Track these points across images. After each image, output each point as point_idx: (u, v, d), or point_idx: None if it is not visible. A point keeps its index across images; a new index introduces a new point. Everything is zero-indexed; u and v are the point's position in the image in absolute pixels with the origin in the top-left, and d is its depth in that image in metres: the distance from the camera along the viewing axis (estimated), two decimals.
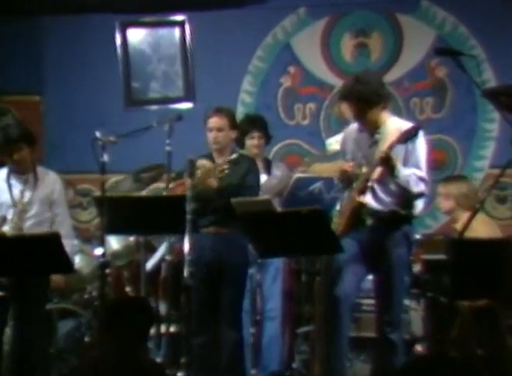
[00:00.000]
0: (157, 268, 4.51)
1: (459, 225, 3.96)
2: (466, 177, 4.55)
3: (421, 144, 3.69)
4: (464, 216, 4.06)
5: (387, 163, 3.58)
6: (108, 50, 5.61)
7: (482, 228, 4.02)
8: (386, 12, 5.36)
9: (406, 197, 3.67)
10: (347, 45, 5.41)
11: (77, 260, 4.49)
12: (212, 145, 4.04)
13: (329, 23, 5.45)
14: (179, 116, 4.37)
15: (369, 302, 4.34)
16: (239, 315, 3.98)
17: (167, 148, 4.20)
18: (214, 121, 4.01)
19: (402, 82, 5.31)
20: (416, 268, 4.43)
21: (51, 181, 4.22)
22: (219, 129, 4.00)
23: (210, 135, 4.03)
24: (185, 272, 3.71)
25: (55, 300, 4.43)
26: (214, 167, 3.88)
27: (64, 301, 4.51)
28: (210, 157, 4.09)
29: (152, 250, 4.64)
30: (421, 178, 3.66)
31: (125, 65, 5.60)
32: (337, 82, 5.31)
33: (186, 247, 3.75)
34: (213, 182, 3.86)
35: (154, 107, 5.60)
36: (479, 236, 3.85)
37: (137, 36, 5.63)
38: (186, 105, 5.57)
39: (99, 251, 4.04)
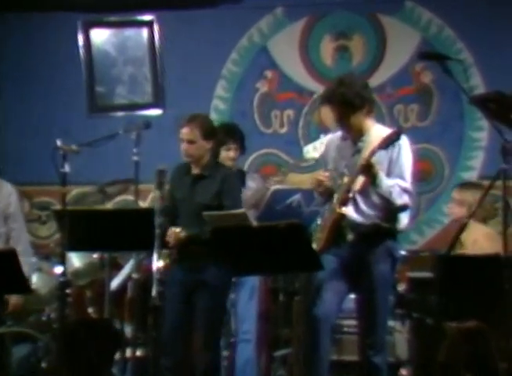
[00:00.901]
0: (123, 287, 4.49)
1: (464, 237, 3.98)
2: (482, 185, 4.55)
3: (406, 153, 3.71)
4: (474, 226, 4.07)
5: (369, 171, 3.59)
6: (70, 52, 5.58)
7: (489, 244, 4.04)
8: (368, 13, 5.40)
9: (389, 210, 3.68)
10: (327, 48, 5.44)
11: (35, 279, 4.45)
12: (184, 157, 4.02)
13: (308, 24, 5.48)
14: (147, 123, 4.36)
15: (350, 323, 4.35)
16: (217, 337, 3.97)
17: (135, 158, 4.18)
18: (185, 133, 3.98)
19: (385, 88, 5.35)
20: (401, 286, 4.43)
21: (7, 193, 4.18)
22: (190, 141, 3.97)
23: (182, 147, 4.01)
24: (154, 292, 3.68)
25: (9, 323, 4.36)
26: (179, 231, 3.87)
27: (20, 323, 4.44)
28: (187, 167, 4.05)
29: (117, 268, 4.61)
30: (405, 190, 3.67)
31: (88, 68, 5.59)
32: (317, 87, 5.34)
33: (155, 264, 3.73)
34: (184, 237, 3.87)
35: (120, 114, 5.58)
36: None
37: (101, 37, 5.61)
38: (155, 111, 5.55)
39: (59, 269, 4.01)
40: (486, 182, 3.93)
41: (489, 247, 4.01)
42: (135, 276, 4.19)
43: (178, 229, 3.84)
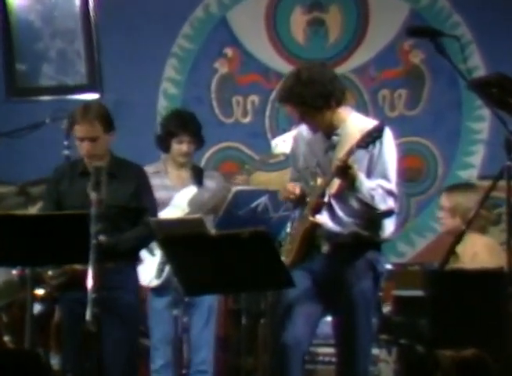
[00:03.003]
0: (49, 310, 4.45)
1: (461, 250, 4.00)
2: (474, 185, 4.55)
3: (389, 149, 3.71)
4: (472, 237, 4.09)
5: (346, 173, 3.59)
6: None
7: (489, 257, 4.06)
8: None
9: (372, 216, 3.69)
10: (298, 22, 5.46)
11: None
12: (87, 158, 3.95)
13: None
14: None
15: (326, 351, 4.39)
16: (135, 366, 3.98)
17: (65, 152, 4.16)
18: (86, 130, 3.92)
19: (367, 70, 5.38)
20: (386, 307, 4.48)
21: None
22: (93, 139, 3.93)
23: (83, 147, 3.94)
24: (88, 315, 3.64)
25: None
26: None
27: None
28: (82, 165, 3.98)
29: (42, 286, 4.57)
30: (389, 192, 3.68)
31: (6, 42, 5.58)
32: (286, 68, 5.33)
33: (90, 281, 3.69)
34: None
35: (47, 98, 5.56)
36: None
37: (21, 3, 5.59)
38: (90, 96, 5.54)
39: None
40: (487, 183, 3.95)
41: (489, 260, 4.04)
42: (54, 282, 4.08)
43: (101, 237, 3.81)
